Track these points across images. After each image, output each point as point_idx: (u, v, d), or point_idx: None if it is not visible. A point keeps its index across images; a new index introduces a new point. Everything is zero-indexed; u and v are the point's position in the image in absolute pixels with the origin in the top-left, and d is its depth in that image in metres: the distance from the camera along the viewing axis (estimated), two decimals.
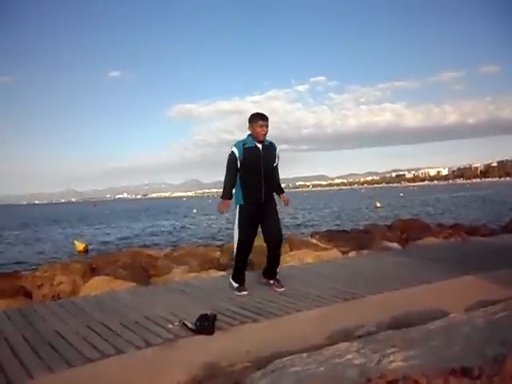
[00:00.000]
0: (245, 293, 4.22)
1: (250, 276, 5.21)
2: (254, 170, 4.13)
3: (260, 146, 4.15)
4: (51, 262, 8.24)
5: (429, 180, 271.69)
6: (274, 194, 4.37)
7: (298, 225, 25.24)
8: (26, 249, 19.84)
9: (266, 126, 4.11)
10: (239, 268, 4.38)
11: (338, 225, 23.53)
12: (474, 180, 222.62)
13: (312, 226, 23.83)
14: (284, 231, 4.89)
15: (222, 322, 3.30)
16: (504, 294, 3.51)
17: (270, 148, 4.24)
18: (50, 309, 3.96)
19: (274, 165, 4.30)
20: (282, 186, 4.51)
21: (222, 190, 4.27)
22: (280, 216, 4.41)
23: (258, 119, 4.11)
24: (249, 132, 4.19)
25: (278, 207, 4.41)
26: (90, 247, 17.44)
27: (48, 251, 17.96)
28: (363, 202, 53.28)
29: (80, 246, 16.92)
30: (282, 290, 4.28)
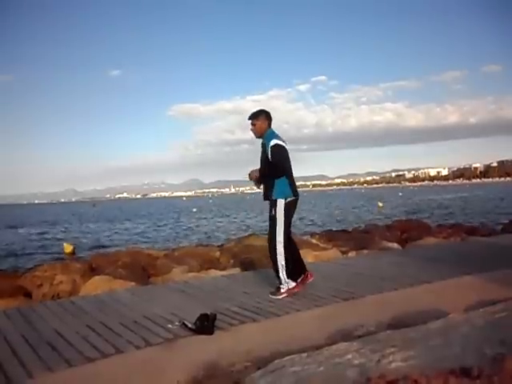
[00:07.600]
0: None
1: (249, 276, 5.21)
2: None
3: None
4: (45, 263, 8.18)
5: (429, 180, 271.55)
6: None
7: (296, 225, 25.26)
8: (16, 249, 19.81)
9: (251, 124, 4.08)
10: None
11: (338, 221, 23.53)
12: (474, 180, 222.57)
13: (312, 225, 23.83)
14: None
15: (221, 321, 3.30)
16: (503, 294, 3.51)
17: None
18: (50, 308, 3.96)
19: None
20: None
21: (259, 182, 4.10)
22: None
23: None
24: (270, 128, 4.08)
25: None
26: (89, 248, 17.56)
27: (36, 252, 17.99)
28: (363, 202, 53.26)
29: (68, 248, 17.13)
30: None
